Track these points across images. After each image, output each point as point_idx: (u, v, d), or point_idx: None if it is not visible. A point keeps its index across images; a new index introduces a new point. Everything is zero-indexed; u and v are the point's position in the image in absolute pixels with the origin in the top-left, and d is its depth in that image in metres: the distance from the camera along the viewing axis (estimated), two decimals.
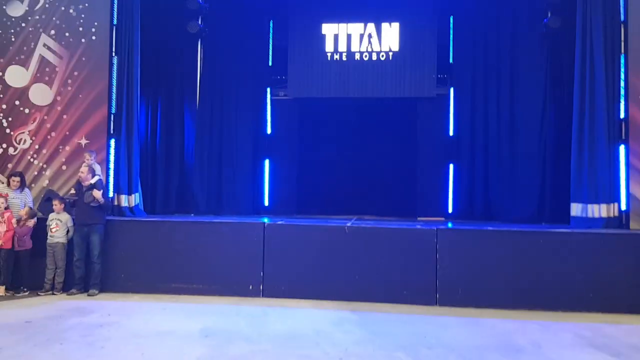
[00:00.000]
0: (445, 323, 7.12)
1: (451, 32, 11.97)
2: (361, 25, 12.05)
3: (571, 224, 9.03)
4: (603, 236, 8.10)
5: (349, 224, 8.65)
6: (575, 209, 9.03)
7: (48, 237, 8.62)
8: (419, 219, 11.35)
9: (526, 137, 11.01)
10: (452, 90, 11.85)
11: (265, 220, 9.29)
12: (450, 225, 9.57)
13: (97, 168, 9.10)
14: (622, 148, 8.82)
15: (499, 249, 8.11)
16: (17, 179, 8.91)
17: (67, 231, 8.70)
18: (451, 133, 11.83)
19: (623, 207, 8.73)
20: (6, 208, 8.54)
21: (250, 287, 8.51)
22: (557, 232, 8.24)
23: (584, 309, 7.77)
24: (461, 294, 8.04)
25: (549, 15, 10.74)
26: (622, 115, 8.88)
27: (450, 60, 11.94)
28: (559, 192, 10.26)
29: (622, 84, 8.86)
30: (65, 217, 8.74)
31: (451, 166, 11.74)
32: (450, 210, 11.66)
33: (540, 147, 10.90)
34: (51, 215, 8.75)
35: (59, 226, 8.63)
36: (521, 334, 6.60)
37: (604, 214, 8.70)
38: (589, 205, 8.83)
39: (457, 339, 6.36)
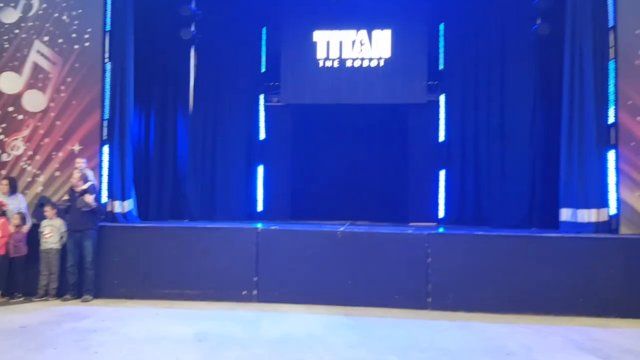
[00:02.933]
0: (436, 327, 7.19)
1: (441, 39, 12.08)
2: (353, 32, 12.15)
3: (561, 228, 9.10)
4: (593, 241, 8.18)
5: (341, 229, 8.70)
6: (565, 214, 9.10)
7: (42, 243, 8.62)
8: (410, 224, 11.41)
9: (516, 142, 11.13)
10: (442, 96, 11.96)
11: (259, 225, 9.34)
12: (441, 230, 9.65)
13: (90, 174, 9.08)
14: (611, 153, 8.88)
15: (490, 253, 8.18)
16: (6, 182, 8.88)
17: (61, 237, 8.71)
18: (442, 139, 11.93)
19: (612, 212, 8.78)
20: (1, 214, 8.54)
21: (244, 292, 8.54)
22: (547, 237, 8.33)
23: (574, 313, 7.85)
24: (452, 298, 8.11)
25: (539, 22, 10.87)
26: (611, 121, 8.94)
27: (441, 67, 12.06)
28: (548, 197, 10.34)
29: (612, 89, 8.94)
30: (59, 222, 8.75)
31: (442, 172, 11.82)
32: (441, 215, 11.75)
33: (530, 152, 11.02)
34: (44, 222, 8.76)
35: (52, 232, 8.64)
36: (511, 338, 6.67)
37: (593, 219, 8.76)
38: (579, 210, 8.89)
39: (449, 343, 6.42)
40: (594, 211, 8.80)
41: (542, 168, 10.84)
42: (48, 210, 8.79)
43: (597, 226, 8.75)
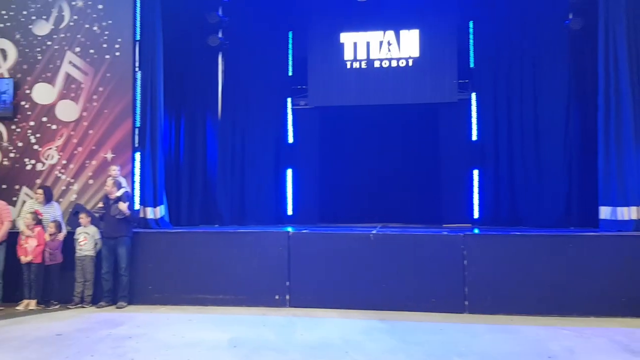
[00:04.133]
0: (475, 331, 7.05)
1: (471, 36, 11.96)
2: (380, 32, 12.10)
3: (600, 227, 8.89)
4: (634, 239, 7.94)
5: (374, 232, 8.61)
6: (604, 212, 8.88)
7: (76, 250, 8.70)
8: (444, 225, 11.27)
9: (551, 140, 10.91)
10: (474, 94, 11.80)
11: (289, 229, 9.29)
12: (476, 231, 9.50)
13: (123, 181, 9.17)
14: None
15: (528, 254, 7.99)
16: (40, 191, 9.01)
17: (95, 244, 8.78)
18: (474, 138, 11.77)
19: None
20: (37, 223, 8.67)
21: (277, 297, 8.50)
22: (586, 236, 8.13)
23: (617, 313, 7.63)
24: (490, 301, 7.95)
25: (571, 16, 10.67)
26: None
27: (471, 65, 11.92)
28: (586, 195, 10.13)
29: None
30: (93, 230, 8.82)
31: (475, 171, 11.67)
32: (476, 216, 11.60)
33: (566, 150, 10.78)
34: (78, 229, 8.84)
35: (86, 239, 8.71)
36: (553, 341, 6.51)
37: (633, 216, 8.50)
38: (618, 208, 8.65)
39: (488, 347, 6.29)
40: (634, 209, 8.54)
41: (578, 165, 10.61)
42: (82, 218, 8.88)
43: (638, 224, 8.49)
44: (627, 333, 6.80)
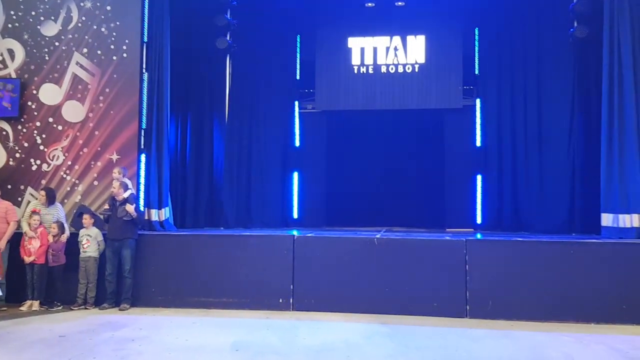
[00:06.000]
0: (476, 336, 7.06)
1: (476, 43, 12.02)
2: (387, 38, 12.17)
3: (602, 234, 8.90)
4: (635, 246, 7.92)
5: (378, 236, 8.64)
6: (606, 219, 8.89)
7: (81, 252, 8.73)
8: (447, 230, 11.30)
9: (554, 146, 10.96)
10: (478, 101, 11.85)
11: (295, 232, 9.33)
12: (479, 236, 9.51)
13: (129, 183, 9.19)
14: None
15: (529, 260, 8.00)
16: (43, 193, 9.03)
17: (98, 246, 8.80)
18: (478, 144, 11.82)
19: None
20: (40, 223, 8.72)
21: (280, 301, 8.53)
22: (588, 243, 8.13)
23: (618, 321, 7.61)
24: (492, 306, 7.96)
25: (576, 24, 10.68)
26: None
27: (476, 72, 11.97)
28: (589, 202, 10.15)
29: None
30: (95, 231, 8.86)
31: (479, 177, 11.71)
32: (478, 221, 11.63)
33: (569, 156, 10.82)
34: (81, 232, 8.88)
35: (89, 242, 8.75)
36: (553, 347, 6.50)
37: (635, 224, 8.48)
38: (620, 215, 8.65)
39: (489, 352, 6.30)
40: (635, 216, 8.54)
41: (581, 172, 10.63)
42: (86, 219, 8.92)
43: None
44: (627, 340, 6.78)
